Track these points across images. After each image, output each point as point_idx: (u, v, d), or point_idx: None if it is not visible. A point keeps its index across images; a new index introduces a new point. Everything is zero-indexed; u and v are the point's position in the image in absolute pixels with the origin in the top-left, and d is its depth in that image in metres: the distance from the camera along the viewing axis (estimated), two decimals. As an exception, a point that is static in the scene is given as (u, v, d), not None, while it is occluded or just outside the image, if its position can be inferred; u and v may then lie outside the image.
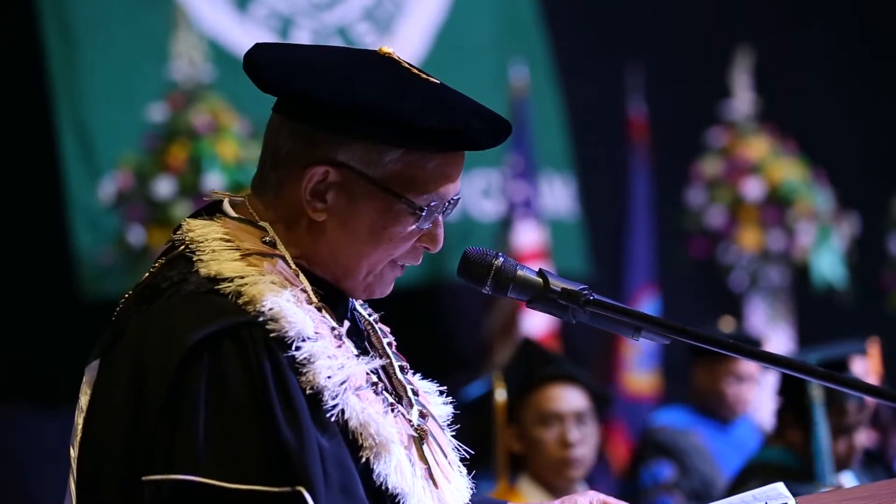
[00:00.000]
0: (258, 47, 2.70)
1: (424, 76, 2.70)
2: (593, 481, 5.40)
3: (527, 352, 5.54)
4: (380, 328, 2.87)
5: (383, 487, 2.59)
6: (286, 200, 2.68)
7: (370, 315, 2.87)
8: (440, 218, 2.71)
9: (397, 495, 2.60)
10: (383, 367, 2.74)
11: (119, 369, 2.58)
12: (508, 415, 5.28)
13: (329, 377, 2.55)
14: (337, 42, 8.76)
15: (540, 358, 5.42)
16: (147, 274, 2.69)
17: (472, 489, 2.81)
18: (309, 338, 2.56)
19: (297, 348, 2.54)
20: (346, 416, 2.56)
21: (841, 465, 5.39)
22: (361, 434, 2.57)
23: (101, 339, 2.67)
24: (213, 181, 7.68)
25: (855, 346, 5.93)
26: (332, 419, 2.55)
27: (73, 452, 2.63)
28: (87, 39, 8.01)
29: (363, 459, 2.57)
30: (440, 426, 2.82)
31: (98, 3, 8.12)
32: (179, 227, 2.72)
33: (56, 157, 7.97)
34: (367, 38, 8.99)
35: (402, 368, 2.82)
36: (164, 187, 7.72)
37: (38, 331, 8.05)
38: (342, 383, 2.57)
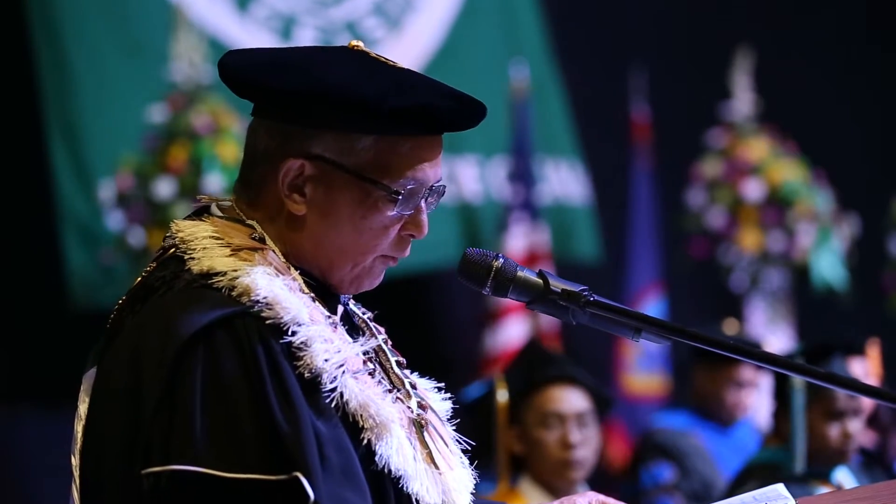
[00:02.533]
0: (230, 53, 2.75)
1: (392, 63, 2.72)
2: (593, 482, 5.39)
3: (528, 353, 5.54)
4: (374, 327, 2.88)
5: (385, 470, 2.59)
6: (267, 198, 2.71)
7: (364, 314, 2.88)
8: (422, 204, 2.72)
9: (400, 477, 2.61)
10: (380, 363, 2.75)
11: (117, 367, 2.59)
12: (510, 416, 5.28)
13: (326, 360, 2.57)
14: (345, 38, 8.74)
15: (541, 359, 5.43)
16: (139, 278, 2.71)
17: (475, 479, 2.82)
18: (304, 323, 2.57)
19: (293, 333, 2.56)
20: (346, 398, 2.57)
21: (837, 456, 5.32)
22: (362, 416, 2.59)
23: (97, 345, 2.69)
24: (214, 182, 7.68)
25: (845, 340, 5.86)
26: (332, 403, 2.56)
27: (75, 460, 2.64)
28: (74, 43, 7.97)
29: (364, 441, 2.58)
30: (440, 420, 2.82)
31: (91, 5, 8.10)
32: (169, 232, 2.73)
33: (47, 164, 7.95)
34: (377, 34, 8.96)
35: (398, 364, 2.83)
36: (164, 188, 7.72)
37: (32, 336, 8.05)
38: (340, 366, 2.58)
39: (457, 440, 2.83)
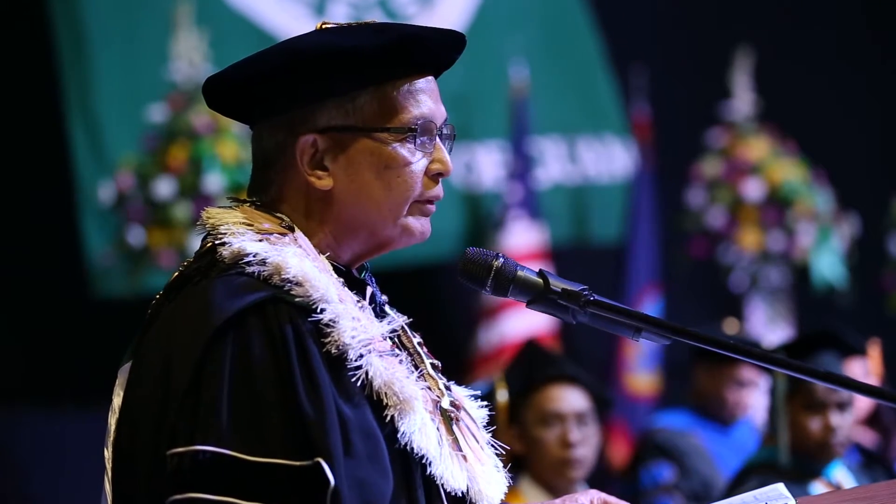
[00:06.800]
0: (207, 80, 2.79)
1: (362, 21, 2.77)
2: (594, 481, 5.39)
3: (528, 352, 5.54)
4: (409, 332, 2.88)
5: (409, 448, 2.61)
6: (291, 189, 2.75)
7: (400, 316, 2.89)
8: (438, 141, 2.76)
9: (423, 456, 2.63)
10: (414, 365, 2.76)
11: (151, 355, 2.63)
12: (510, 415, 5.28)
13: (353, 337, 2.59)
14: (377, 14, 8.74)
15: (541, 358, 5.43)
16: (177, 271, 2.75)
17: (509, 482, 2.83)
18: (333, 301, 2.61)
19: (322, 310, 2.59)
20: (371, 375, 2.59)
21: (822, 450, 5.26)
22: (386, 394, 2.60)
23: (133, 339, 2.71)
24: (214, 182, 7.69)
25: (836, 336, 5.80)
26: (358, 383, 2.58)
27: (107, 453, 2.67)
28: (97, 37, 8.01)
29: (388, 419, 2.60)
30: (475, 423, 2.84)
31: (104, 4, 8.12)
32: (201, 219, 2.78)
33: (68, 155, 7.98)
34: (409, 10, 8.97)
35: (433, 367, 2.84)
36: (164, 188, 7.73)
37: (39, 330, 8.04)
38: (366, 345, 2.60)
39: (492, 445, 2.85)
